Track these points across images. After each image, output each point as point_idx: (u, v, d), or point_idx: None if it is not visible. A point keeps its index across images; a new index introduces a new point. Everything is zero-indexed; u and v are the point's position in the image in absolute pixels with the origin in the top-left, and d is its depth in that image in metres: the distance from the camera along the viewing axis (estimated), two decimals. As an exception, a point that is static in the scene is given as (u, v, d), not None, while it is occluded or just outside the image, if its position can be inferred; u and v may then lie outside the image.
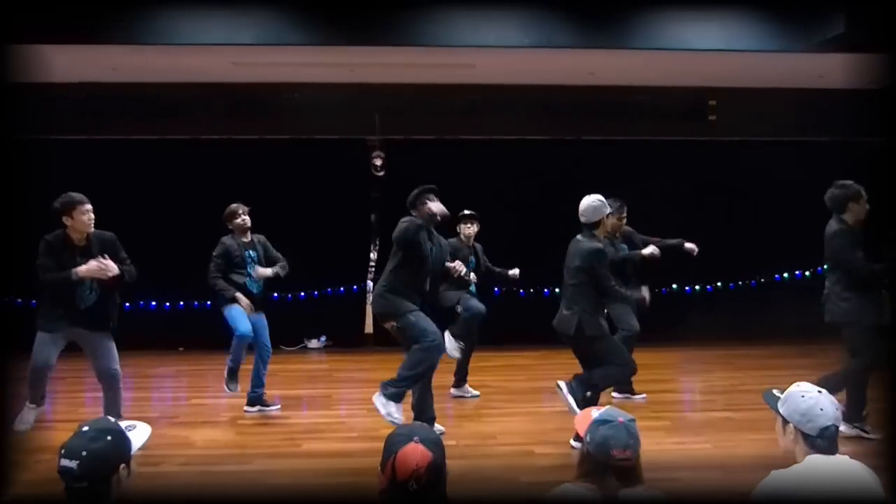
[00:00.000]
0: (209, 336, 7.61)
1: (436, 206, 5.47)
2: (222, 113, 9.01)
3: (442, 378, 7.10)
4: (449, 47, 7.07)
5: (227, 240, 6.47)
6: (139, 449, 2.40)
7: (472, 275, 6.80)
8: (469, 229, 7.10)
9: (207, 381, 7.28)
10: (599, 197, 5.38)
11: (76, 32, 6.71)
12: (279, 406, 6.65)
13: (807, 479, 2.39)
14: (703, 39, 7.16)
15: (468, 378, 7.21)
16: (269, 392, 6.69)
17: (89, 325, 5.42)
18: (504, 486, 4.79)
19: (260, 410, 6.58)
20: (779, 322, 9.06)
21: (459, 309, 6.62)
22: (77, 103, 8.57)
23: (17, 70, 6.37)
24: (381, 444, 2.23)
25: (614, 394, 6.77)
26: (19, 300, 8.42)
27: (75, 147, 8.62)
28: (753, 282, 9.93)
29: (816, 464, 2.44)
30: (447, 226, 5.83)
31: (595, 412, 2.45)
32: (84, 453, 2.19)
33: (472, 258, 7.02)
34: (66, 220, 5.30)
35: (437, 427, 5.59)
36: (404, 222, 5.46)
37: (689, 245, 6.90)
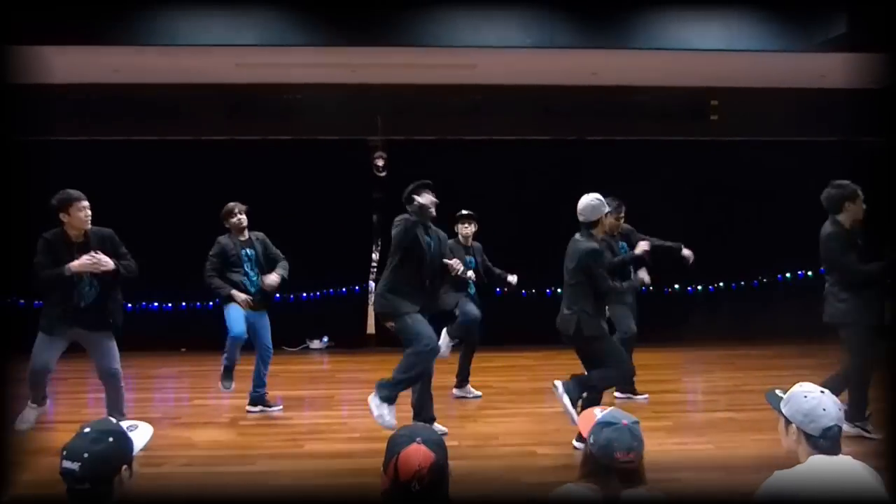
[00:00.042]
0: (211, 337, 7.61)
1: (424, 199, 5.43)
2: (224, 114, 9.02)
3: (444, 379, 7.11)
4: (450, 48, 7.07)
5: (223, 239, 6.47)
6: (141, 450, 2.39)
7: (471, 273, 6.78)
8: (466, 229, 7.10)
9: (210, 382, 7.28)
10: (598, 196, 5.36)
11: (78, 34, 6.72)
12: (281, 407, 6.65)
13: (810, 480, 2.39)
14: (704, 39, 7.15)
15: (470, 378, 7.22)
16: (271, 393, 6.69)
17: (89, 324, 5.41)
18: (506, 486, 4.79)
19: (262, 411, 6.59)
20: (781, 322, 9.05)
21: (457, 312, 6.63)
22: (79, 104, 8.58)
23: (19, 71, 6.38)
24: (383, 445, 2.22)
25: (616, 394, 6.77)
26: (21, 301, 8.43)
27: (77, 148, 8.63)
28: (755, 282, 9.92)
29: (819, 464, 2.43)
30: (437, 222, 5.82)
31: (598, 413, 2.45)
32: (86, 455, 2.18)
33: (472, 258, 7.02)
34: (63, 216, 5.30)
35: (440, 427, 5.59)
36: (399, 221, 5.48)
37: (686, 252, 6.85)
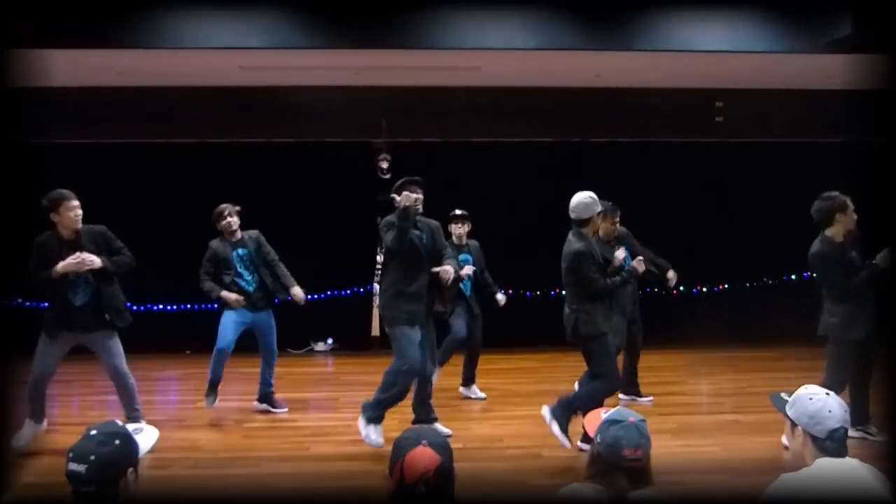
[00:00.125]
0: (216, 339, 7.61)
1: (402, 197, 5.41)
2: (228, 116, 9.02)
3: (449, 381, 7.12)
4: (454, 50, 7.07)
5: (213, 243, 6.48)
6: (147, 452, 2.40)
7: (467, 269, 6.76)
8: (460, 229, 7.08)
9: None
10: (591, 194, 5.30)
11: (82, 37, 6.73)
12: (286, 409, 6.66)
13: (816, 483, 2.38)
14: (709, 40, 7.13)
15: (476, 380, 7.23)
16: (275, 395, 6.70)
17: (86, 324, 5.42)
18: (512, 488, 4.79)
19: (267, 411, 6.60)
20: (786, 324, 9.02)
21: (450, 323, 6.69)
22: (82, 107, 8.59)
23: (23, 74, 6.39)
24: (388, 448, 2.22)
25: (621, 396, 6.75)
26: (21, 301, 8.43)
27: (81, 151, 8.65)
28: (760, 283, 9.90)
29: (826, 467, 2.43)
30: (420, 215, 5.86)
31: (604, 413, 2.46)
32: (92, 457, 2.18)
33: (468, 255, 6.99)
34: (53, 217, 5.33)
35: (444, 430, 5.59)
36: (384, 224, 5.50)
37: (671, 273, 6.82)
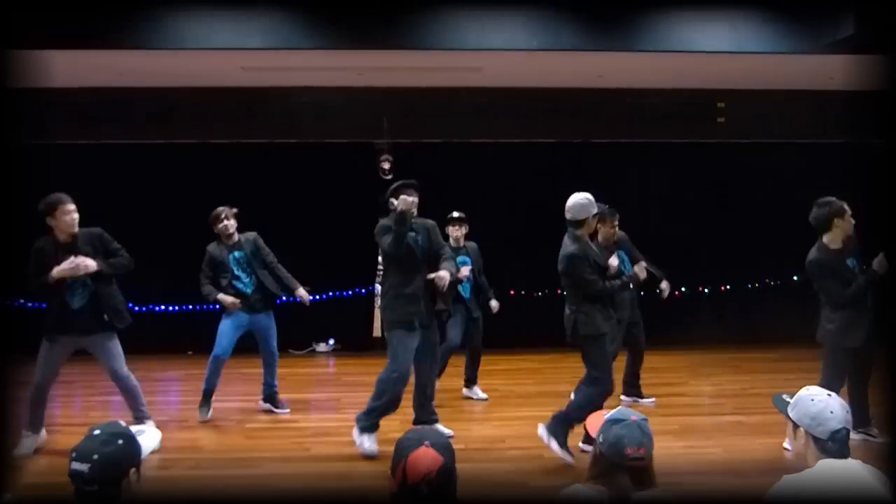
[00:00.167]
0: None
1: (399, 201, 5.41)
2: (230, 117, 9.02)
3: (450, 381, 7.13)
4: (456, 50, 7.07)
5: (210, 247, 6.49)
6: (150, 453, 2.41)
7: (465, 270, 6.74)
8: (457, 231, 7.07)
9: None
10: (588, 195, 5.24)
11: (82, 37, 6.72)
12: (288, 410, 6.66)
13: (819, 484, 2.38)
14: (711, 41, 7.13)
15: (478, 381, 7.23)
16: (279, 395, 6.72)
17: (84, 327, 5.41)
18: (513, 489, 4.79)
19: (270, 411, 6.61)
20: (788, 325, 9.01)
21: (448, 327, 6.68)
22: (83, 108, 8.58)
23: (24, 75, 6.40)
24: (390, 448, 2.23)
25: (623, 397, 6.76)
26: (29, 304, 8.44)
27: (82, 152, 8.64)
28: (762, 284, 9.89)
29: (828, 469, 2.43)
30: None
31: (606, 413, 2.46)
32: (95, 456, 2.19)
33: (465, 257, 6.97)
34: (50, 221, 5.33)
35: (446, 430, 5.59)
36: (379, 229, 5.50)
37: (664, 284, 6.80)
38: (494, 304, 7.24)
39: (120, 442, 2.24)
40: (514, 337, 8.81)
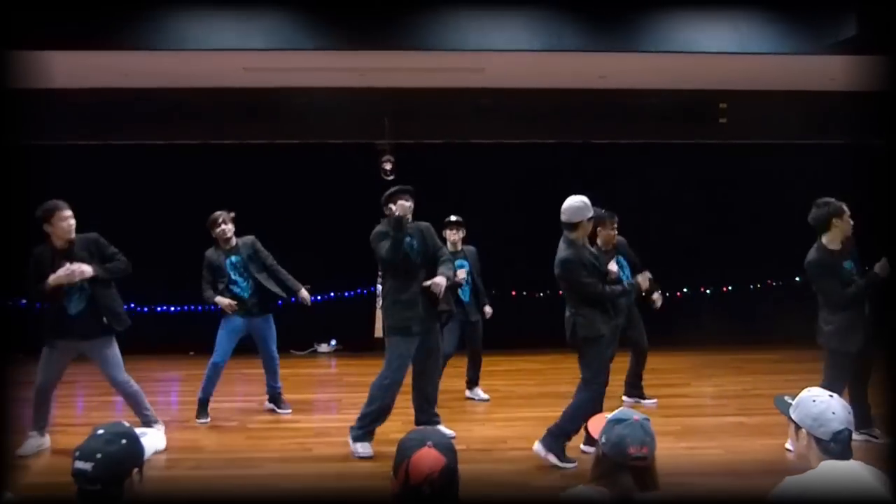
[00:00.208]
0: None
1: (396, 207, 5.40)
2: (232, 118, 9.02)
3: (452, 383, 7.12)
4: (458, 51, 7.07)
5: (208, 252, 6.50)
6: (154, 454, 2.41)
7: (462, 273, 6.74)
8: (455, 235, 7.05)
9: (216, 386, 7.29)
10: (584, 198, 5.16)
11: (83, 38, 6.72)
12: (290, 410, 6.66)
13: (821, 485, 2.38)
14: (713, 41, 7.13)
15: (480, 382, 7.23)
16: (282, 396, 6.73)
17: (82, 332, 5.41)
18: (515, 490, 4.79)
19: (273, 411, 6.62)
20: (790, 326, 8.99)
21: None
22: (84, 109, 8.58)
23: (24, 76, 6.41)
24: (391, 449, 2.23)
25: (625, 398, 6.77)
26: (24, 302, 8.44)
27: (83, 153, 8.65)
28: (764, 285, 9.88)
29: (831, 470, 2.43)
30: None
31: (608, 414, 2.45)
32: (99, 456, 2.20)
33: (463, 261, 6.94)
34: (46, 227, 5.34)
35: (448, 431, 5.58)
36: (374, 235, 5.49)
37: (656, 295, 6.76)
38: (488, 309, 7.21)
39: (123, 442, 2.25)
40: (516, 338, 8.81)
